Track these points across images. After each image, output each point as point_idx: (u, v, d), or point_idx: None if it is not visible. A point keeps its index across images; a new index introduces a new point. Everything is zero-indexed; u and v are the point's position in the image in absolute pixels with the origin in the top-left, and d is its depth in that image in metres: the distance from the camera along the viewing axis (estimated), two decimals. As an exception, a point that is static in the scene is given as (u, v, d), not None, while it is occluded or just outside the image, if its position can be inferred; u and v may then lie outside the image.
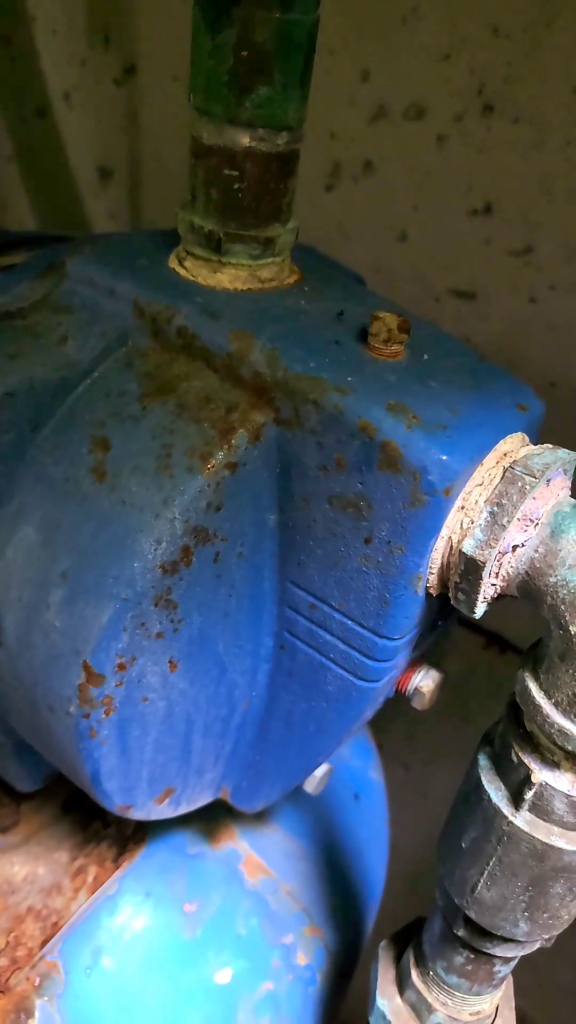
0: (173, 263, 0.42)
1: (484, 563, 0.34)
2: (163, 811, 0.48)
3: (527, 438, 0.38)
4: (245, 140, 0.36)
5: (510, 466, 0.34)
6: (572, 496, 0.38)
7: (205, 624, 0.39)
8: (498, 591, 0.36)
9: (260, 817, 0.71)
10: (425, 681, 0.45)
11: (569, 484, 0.37)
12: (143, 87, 1.06)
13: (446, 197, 0.88)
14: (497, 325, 0.90)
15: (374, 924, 0.75)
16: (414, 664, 0.45)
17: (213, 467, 0.36)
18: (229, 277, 0.40)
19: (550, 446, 0.37)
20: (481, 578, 0.35)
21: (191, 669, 0.40)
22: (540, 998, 1.24)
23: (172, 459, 0.36)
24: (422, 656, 0.45)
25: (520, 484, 0.34)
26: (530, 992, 1.22)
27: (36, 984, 0.49)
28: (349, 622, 0.39)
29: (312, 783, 0.53)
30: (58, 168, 1.24)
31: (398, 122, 0.88)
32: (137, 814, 0.46)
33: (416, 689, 0.45)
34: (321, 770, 0.53)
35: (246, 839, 0.69)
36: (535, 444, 0.39)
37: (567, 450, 0.37)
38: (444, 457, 0.33)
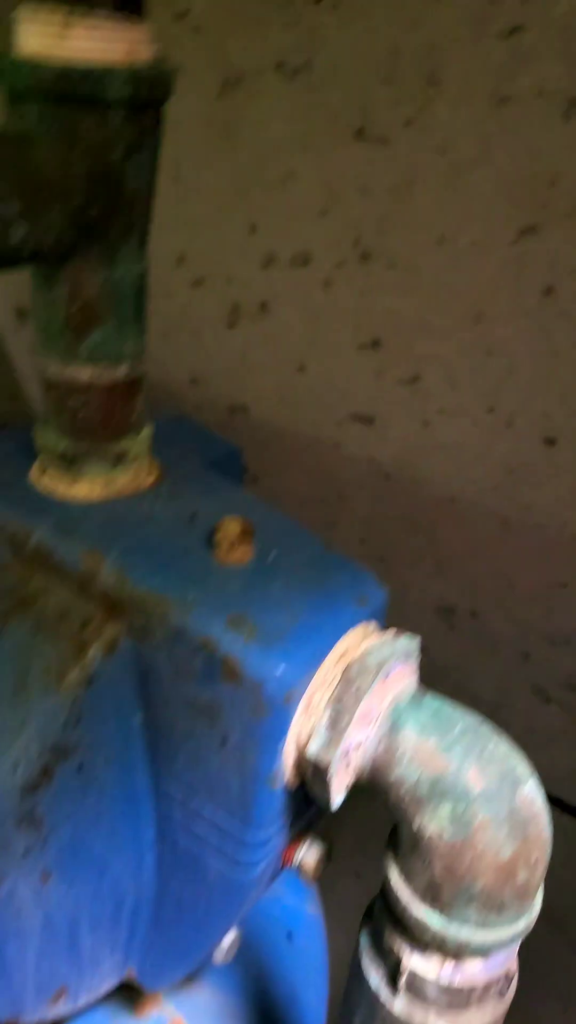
0: (35, 474, 0.44)
1: (328, 764, 0.36)
2: (60, 1009, 0.47)
3: (371, 625, 0.40)
4: (86, 375, 0.39)
5: (347, 666, 0.37)
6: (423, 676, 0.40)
7: (77, 831, 0.40)
8: (351, 783, 0.38)
9: (187, 977, 0.69)
10: (308, 855, 0.45)
11: (413, 669, 0.39)
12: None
13: (337, 334, 0.93)
14: (395, 447, 0.95)
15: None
16: (298, 837, 0.46)
17: (69, 684, 0.37)
18: (85, 489, 0.42)
19: (391, 635, 0.39)
20: (329, 777, 0.36)
21: (66, 876, 0.40)
22: None
23: (29, 679, 0.37)
24: (307, 828, 0.46)
25: (356, 685, 0.36)
26: None
27: None
28: (217, 816, 0.40)
29: (219, 954, 0.53)
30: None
31: (287, 268, 0.94)
32: (30, 1019, 0.45)
33: (301, 863, 0.45)
34: (227, 940, 0.52)
35: (173, 1002, 0.68)
36: (385, 625, 0.42)
37: (409, 636, 0.39)
38: (281, 667, 0.35)
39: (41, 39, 0.32)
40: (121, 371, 0.40)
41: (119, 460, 0.42)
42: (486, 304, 0.82)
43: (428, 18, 0.76)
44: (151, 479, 0.45)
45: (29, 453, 0.46)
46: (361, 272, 0.89)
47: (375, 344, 0.91)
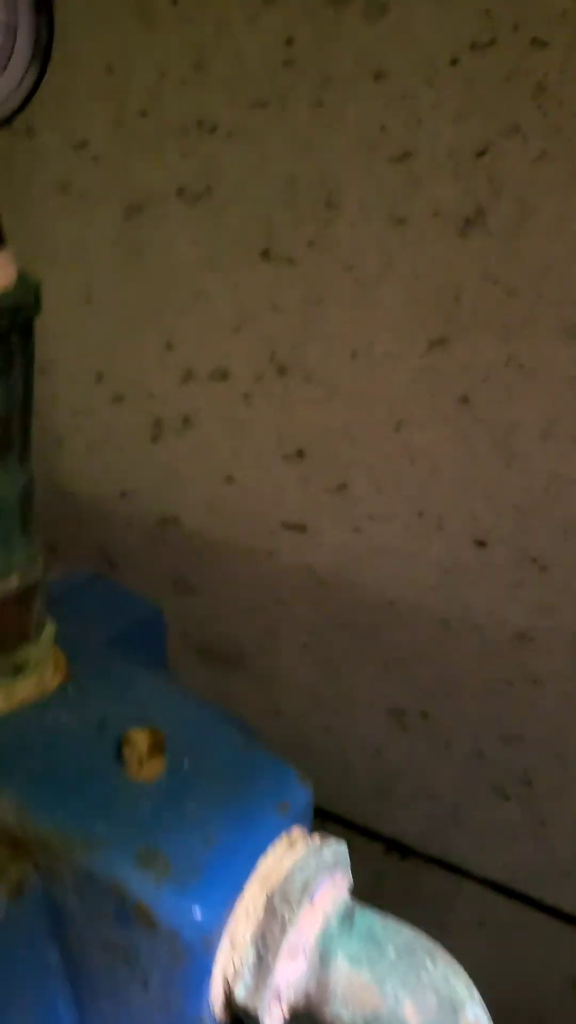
0: None
1: (256, 1008, 0.33)
2: None
3: (295, 832, 0.38)
4: (-28, 593, 0.37)
5: (269, 895, 0.34)
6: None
7: None
8: (288, 1016, 0.35)
9: None
10: (255, 1070, 0.42)
11: (343, 877, 0.37)
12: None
13: (260, 445, 0.93)
14: (330, 553, 0.94)
15: None
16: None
17: (-30, 941, 0.34)
18: (-16, 703, 0.40)
19: (316, 843, 0.37)
20: (260, 1020, 0.33)
21: None
22: None
23: None
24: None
25: (280, 917, 0.33)
26: None
27: None
28: (149, 1057, 0.37)
29: None
30: None
31: (206, 383, 0.94)
32: None
33: (248, 1080, 0.42)
34: None
35: None
36: (310, 820, 0.39)
37: (335, 842, 0.37)
38: (198, 912, 0.33)
39: None
40: (11, 583, 0.38)
41: (19, 670, 0.40)
42: (405, 412, 0.83)
43: (321, 146, 0.78)
44: (57, 679, 0.42)
45: None
46: (279, 385, 0.89)
47: (300, 454, 0.91)
